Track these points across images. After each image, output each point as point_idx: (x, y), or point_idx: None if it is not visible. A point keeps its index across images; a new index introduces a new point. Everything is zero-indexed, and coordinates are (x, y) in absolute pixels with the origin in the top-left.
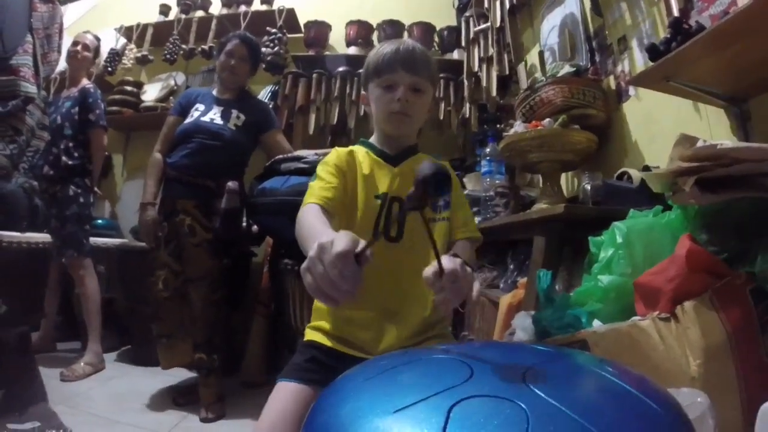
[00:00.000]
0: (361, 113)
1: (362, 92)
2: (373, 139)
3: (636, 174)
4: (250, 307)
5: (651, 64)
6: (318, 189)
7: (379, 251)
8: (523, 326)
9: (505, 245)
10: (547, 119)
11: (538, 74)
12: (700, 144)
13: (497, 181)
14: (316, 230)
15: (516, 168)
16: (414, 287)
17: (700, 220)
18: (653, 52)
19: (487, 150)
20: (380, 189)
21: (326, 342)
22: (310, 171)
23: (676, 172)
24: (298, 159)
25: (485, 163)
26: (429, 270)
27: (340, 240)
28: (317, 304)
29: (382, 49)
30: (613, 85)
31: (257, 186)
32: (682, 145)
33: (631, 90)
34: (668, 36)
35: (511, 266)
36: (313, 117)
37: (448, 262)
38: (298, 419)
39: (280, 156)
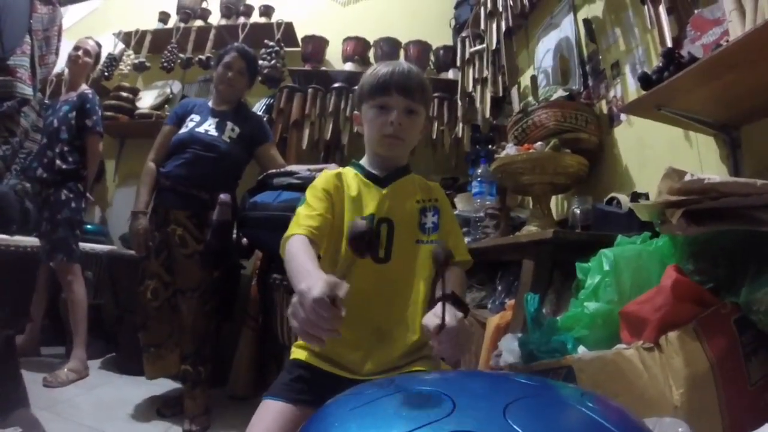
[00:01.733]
0: (355, 130)
1: (355, 112)
2: (364, 160)
3: (625, 199)
4: (238, 320)
5: (643, 92)
6: (304, 217)
7: (367, 273)
8: (509, 348)
9: (494, 266)
10: (539, 142)
11: (531, 98)
12: (688, 178)
13: (488, 202)
14: (301, 270)
15: (507, 189)
16: (402, 309)
17: (687, 249)
18: (645, 81)
19: (479, 171)
20: (367, 210)
21: (313, 362)
22: (302, 187)
23: (664, 204)
24: (291, 174)
25: (476, 184)
26: (430, 320)
27: (317, 286)
28: None
29: (377, 70)
30: (605, 109)
31: (249, 199)
32: (670, 178)
33: (623, 115)
34: (660, 65)
35: (500, 287)
36: (307, 132)
37: (450, 318)
38: None
39: (273, 170)
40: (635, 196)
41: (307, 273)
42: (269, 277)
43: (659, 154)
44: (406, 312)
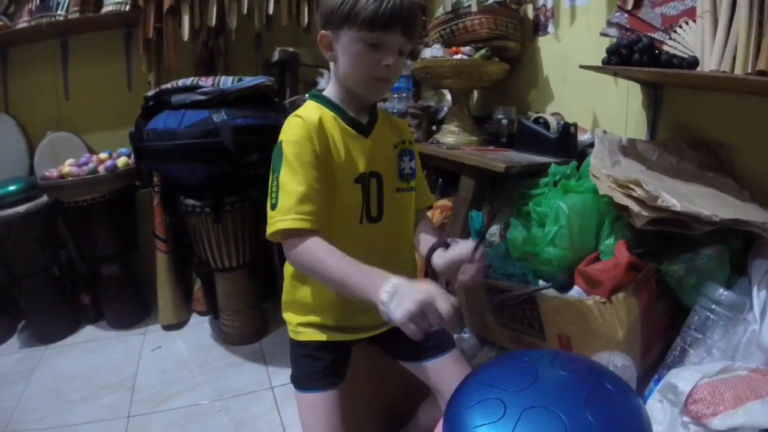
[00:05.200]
0: (244, 11)
1: (324, 31)
2: (335, 96)
3: (553, 121)
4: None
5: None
6: (299, 198)
7: (363, 233)
8: None
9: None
10: (468, 47)
11: None
12: (659, 203)
13: (404, 95)
14: (369, 274)
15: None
16: (397, 259)
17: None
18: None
19: None
20: (360, 168)
21: (331, 337)
22: (209, 103)
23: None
24: (193, 89)
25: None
26: (460, 254)
27: (445, 302)
28: (305, 298)
29: None
30: (530, 14)
31: (146, 126)
32: (645, 200)
33: (551, 27)
34: (632, 42)
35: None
36: (186, 19)
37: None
38: (343, 422)
39: (168, 85)
40: (557, 116)
41: (382, 275)
42: (181, 203)
43: (583, 80)
44: (400, 261)
